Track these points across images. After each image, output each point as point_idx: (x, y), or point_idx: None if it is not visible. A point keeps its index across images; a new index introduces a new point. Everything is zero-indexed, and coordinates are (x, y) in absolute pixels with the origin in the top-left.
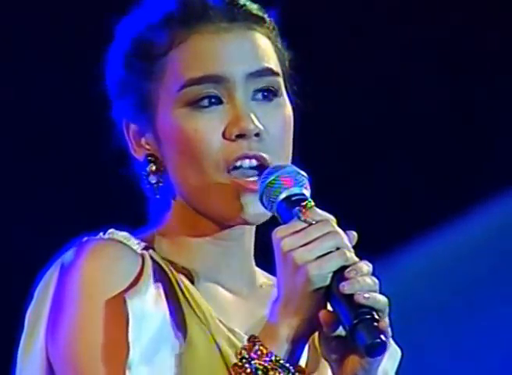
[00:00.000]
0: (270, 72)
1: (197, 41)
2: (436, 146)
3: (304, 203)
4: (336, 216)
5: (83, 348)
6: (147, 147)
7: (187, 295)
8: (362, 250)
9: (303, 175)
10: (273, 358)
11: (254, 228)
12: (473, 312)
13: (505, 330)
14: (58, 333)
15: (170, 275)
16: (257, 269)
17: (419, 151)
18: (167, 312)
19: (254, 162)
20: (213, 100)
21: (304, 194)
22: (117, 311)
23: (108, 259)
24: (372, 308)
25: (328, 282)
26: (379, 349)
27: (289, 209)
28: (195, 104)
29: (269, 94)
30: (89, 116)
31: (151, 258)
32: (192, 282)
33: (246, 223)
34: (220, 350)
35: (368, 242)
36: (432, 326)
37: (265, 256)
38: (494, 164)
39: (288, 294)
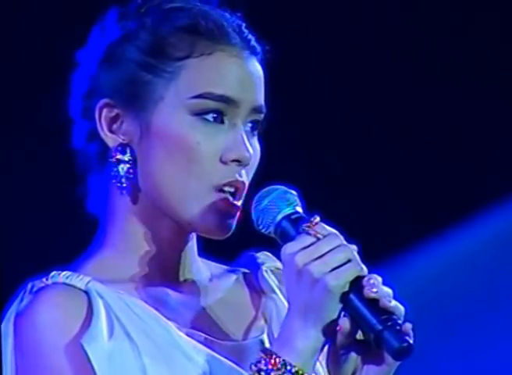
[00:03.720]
0: (263, 109)
1: (221, 59)
2: (435, 153)
3: (312, 218)
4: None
5: None
6: (122, 137)
7: (144, 317)
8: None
9: (293, 193)
10: (293, 369)
11: None
12: (469, 321)
13: (504, 340)
14: None
15: (119, 301)
16: (200, 261)
17: (417, 158)
18: (128, 344)
19: (233, 189)
20: (216, 116)
21: (299, 212)
22: (78, 359)
23: (57, 309)
24: (393, 314)
25: (345, 292)
26: (407, 352)
27: (291, 228)
28: (201, 115)
29: (254, 127)
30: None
31: (96, 291)
32: (145, 298)
33: (217, 236)
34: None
35: (367, 252)
36: (428, 334)
37: None
38: (493, 172)
39: (304, 307)
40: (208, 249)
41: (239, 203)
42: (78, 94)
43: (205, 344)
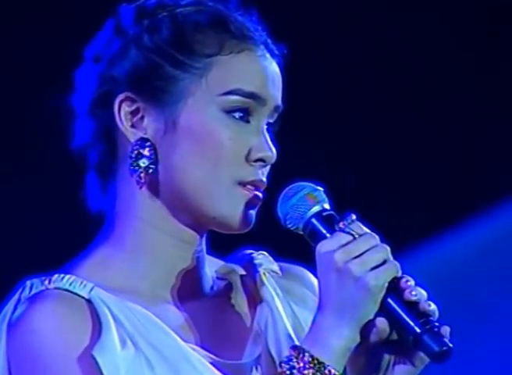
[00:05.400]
0: (281, 109)
1: (250, 57)
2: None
3: (348, 217)
4: None
5: None
6: (143, 131)
7: (149, 327)
8: None
9: (320, 190)
10: (326, 369)
11: None
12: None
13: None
14: None
15: (124, 309)
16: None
17: (425, 158)
18: (137, 354)
19: (254, 188)
20: (242, 115)
21: (329, 210)
22: (86, 369)
23: (59, 318)
24: (430, 316)
25: (383, 292)
26: (447, 356)
27: (321, 225)
28: (230, 113)
29: (270, 128)
30: None
31: (100, 299)
32: (147, 307)
33: (239, 229)
34: None
35: None
36: None
37: None
38: (497, 174)
39: (341, 305)
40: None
41: (261, 195)
42: (87, 91)
43: (209, 362)
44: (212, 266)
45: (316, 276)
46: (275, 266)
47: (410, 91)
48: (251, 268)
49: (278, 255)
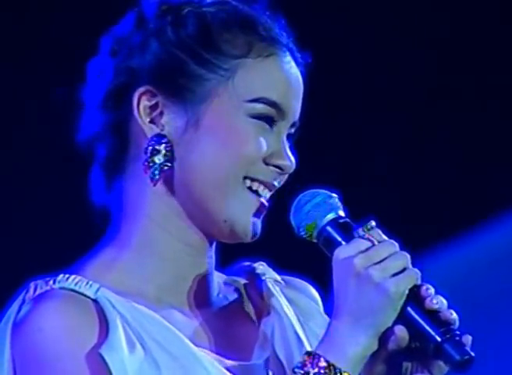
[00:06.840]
0: (297, 124)
1: (277, 63)
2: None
3: (367, 223)
4: None
5: None
6: (160, 127)
7: (157, 328)
8: None
9: (335, 197)
10: None
11: None
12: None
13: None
14: None
15: (133, 311)
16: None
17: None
18: (145, 355)
19: (262, 188)
20: (267, 120)
21: (344, 217)
22: (94, 368)
23: (66, 316)
24: (451, 325)
25: (403, 300)
26: (469, 365)
27: (337, 233)
28: (258, 119)
29: (289, 138)
30: None
31: (107, 299)
32: (154, 309)
33: (246, 238)
34: None
35: None
36: None
37: None
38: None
39: (358, 311)
40: None
41: (267, 204)
42: (101, 83)
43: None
44: (218, 280)
45: (317, 290)
46: (277, 276)
47: (425, 98)
48: (254, 277)
49: (282, 264)
